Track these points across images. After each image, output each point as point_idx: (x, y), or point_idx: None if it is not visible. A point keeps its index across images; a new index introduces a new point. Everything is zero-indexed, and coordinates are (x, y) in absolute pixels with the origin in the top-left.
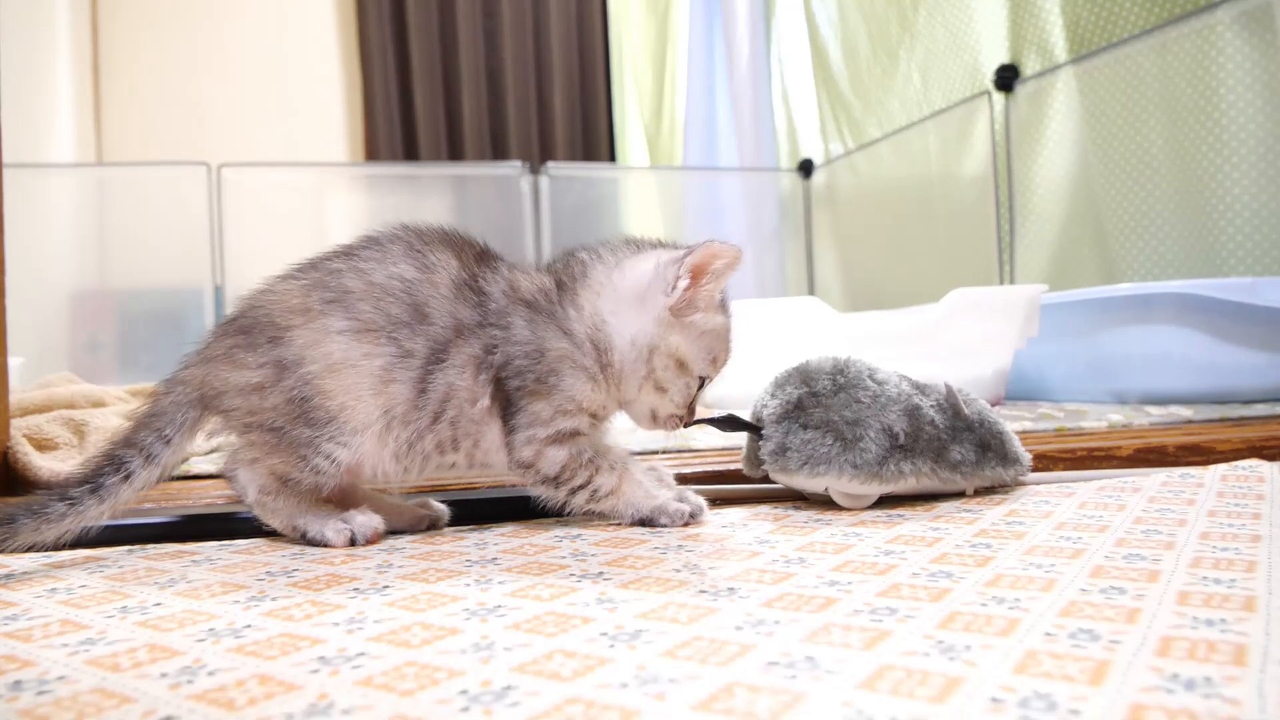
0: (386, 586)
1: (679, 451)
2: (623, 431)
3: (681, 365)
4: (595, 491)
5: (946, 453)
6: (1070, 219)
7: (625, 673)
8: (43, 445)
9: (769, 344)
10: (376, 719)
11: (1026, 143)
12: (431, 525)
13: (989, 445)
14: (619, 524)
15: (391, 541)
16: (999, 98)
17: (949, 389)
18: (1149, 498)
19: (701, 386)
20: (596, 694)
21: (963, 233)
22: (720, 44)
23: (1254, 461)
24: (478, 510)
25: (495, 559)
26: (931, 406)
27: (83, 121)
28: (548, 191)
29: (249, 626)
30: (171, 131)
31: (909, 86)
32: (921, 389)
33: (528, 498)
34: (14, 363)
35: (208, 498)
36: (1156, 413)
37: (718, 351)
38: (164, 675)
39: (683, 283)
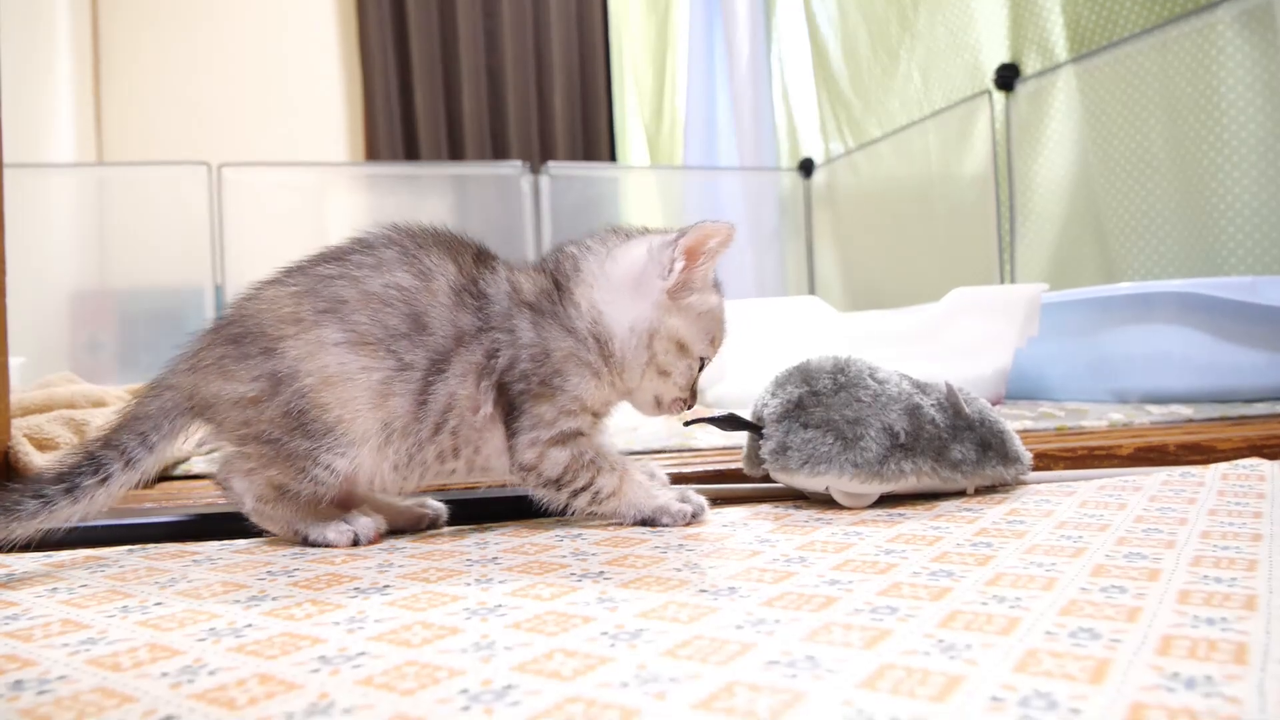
0: (387, 586)
1: (679, 451)
2: (623, 430)
3: (682, 347)
4: (597, 493)
5: (947, 452)
6: (1071, 218)
7: (626, 672)
8: (43, 445)
9: (769, 343)
10: (377, 718)
11: (1027, 142)
12: (430, 525)
13: (990, 444)
14: (620, 524)
15: (392, 541)
16: (999, 97)
17: (949, 388)
18: (1150, 496)
19: (701, 368)
20: (597, 693)
21: (963, 232)
22: (720, 43)
23: (1255, 460)
24: (477, 510)
25: (496, 558)
26: (932, 406)
27: (83, 121)
28: (548, 191)
29: (250, 626)
30: (172, 131)
31: (909, 86)
32: (922, 388)
33: (527, 497)
34: (15, 362)
35: (208, 498)
36: (1157, 412)
37: (714, 331)
38: (165, 675)
39: (679, 265)
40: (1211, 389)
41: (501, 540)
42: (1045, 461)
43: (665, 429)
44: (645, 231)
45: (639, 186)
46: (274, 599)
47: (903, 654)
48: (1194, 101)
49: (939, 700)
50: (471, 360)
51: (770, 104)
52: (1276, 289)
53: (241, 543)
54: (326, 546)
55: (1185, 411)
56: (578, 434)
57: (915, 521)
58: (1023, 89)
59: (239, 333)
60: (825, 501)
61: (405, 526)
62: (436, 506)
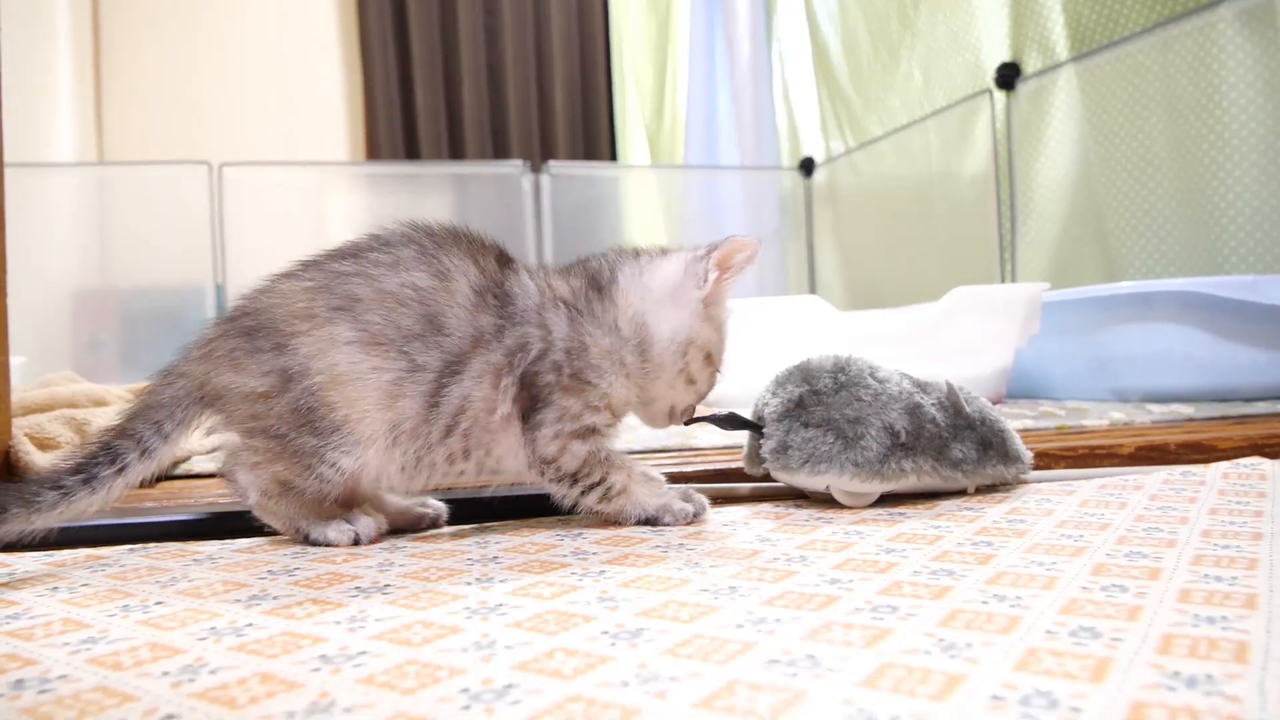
0: (388, 585)
1: (680, 450)
2: (624, 429)
3: (709, 358)
4: (608, 490)
5: (948, 451)
6: (1071, 217)
7: (626, 671)
8: (44, 444)
9: (770, 342)
10: (378, 717)
11: (1028, 141)
12: (431, 524)
13: (990, 443)
14: (621, 523)
15: (393, 540)
16: (1000, 96)
17: (950, 387)
18: (1150, 495)
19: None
20: (597, 692)
21: (964, 231)
22: (721, 42)
23: (1255, 459)
24: (478, 509)
25: (496, 557)
26: (933, 405)
27: (84, 121)
28: (549, 190)
29: (251, 625)
30: (172, 131)
31: (910, 84)
32: (923, 387)
33: (527, 497)
34: (16, 362)
35: (209, 497)
36: (1158, 411)
37: (725, 344)
38: (165, 674)
39: (713, 275)
40: (1212, 388)
41: (502, 539)
42: (1046, 460)
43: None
44: (665, 250)
45: (639, 186)
46: (275, 598)
47: (903, 653)
48: (1195, 100)
49: (939, 699)
50: (490, 361)
51: (771, 103)
52: (1277, 288)
53: (242, 542)
54: (327, 545)
55: (1186, 410)
56: (596, 431)
57: (916, 520)
58: (1023, 88)
59: (252, 325)
60: (826, 501)
61: (406, 526)
62: (437, 506)
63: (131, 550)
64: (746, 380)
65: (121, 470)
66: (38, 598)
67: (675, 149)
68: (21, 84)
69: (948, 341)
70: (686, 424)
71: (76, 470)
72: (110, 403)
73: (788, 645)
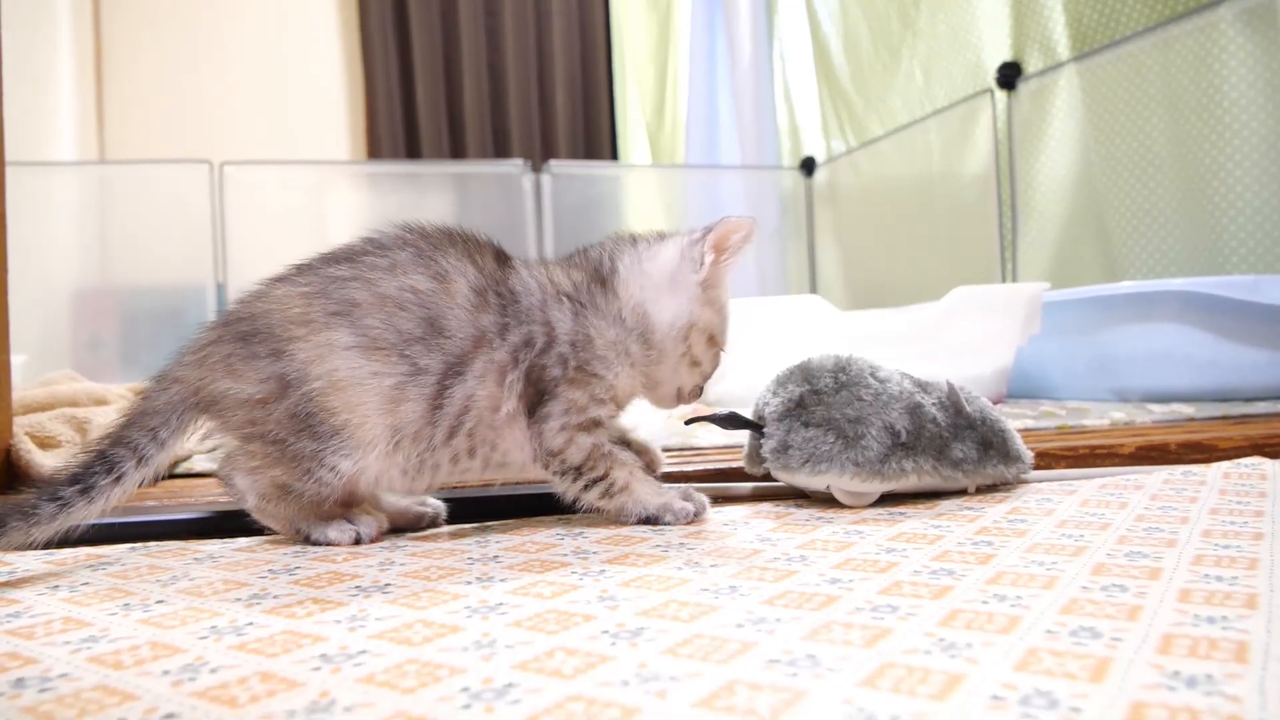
0: (388, 584)
1: (680, 449)
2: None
3: (712, 339)
4: (611, 486)
5: (948, 451)
6: (1072, 217)
7: (626, 670)
8: (45, 443)
9: (771, 342)
10: (378, 716)
11: (1029, 140)
12: (431, 523)
13: (991, 443)
14: (621, 522)
15: (393, 539)
16: (1001, 95)
17: (951, 387)
18: (1151, 495)
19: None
20: (598, 691)
21: (965, 231)
22: (722, 41)
23: (1256, 459)
24: (478, 508)
25: (497, 556)
26: (933, 404)
27: (85, 119)
28: (550, 189)
29: (251, 624)
30: (173, 129)
31: (911, 84)
32: (923, 387)
33: (528, 495)
34: (16, 360)
35: (210, 496)
36: (1158, 410)
37: (728, 323)
38: (166, 673)
39: (709, 258)
40: (1213, 388)
41: (502, 539)
42: (1046, 460)
43: (665, 428)
44: (663, 235)
45: (640, 185)
46: (275, 597)
47: (903, 652)
48: (1196, 100)
49: (939, 699)
50: (494, 359)
51: (772, 102)
52: (1278, 288)
53: (243, 541)
54: (328, 545)
55: (1187, 410)
56: (600, 424)
57: (916, 520)
58: (1025, 88)
59: (247, 331)
60: (826, 500)
61: (405, 525)
62: (436, 505)
63: (132, 549)
64: (747, 380)
65: (119, 479)
66: (39, 596)
67: (676, 148)
68: (22, 82)
69: (948, 341)
70: (687, 424)
71: (73, 480)
72: (110, 401)
73: (788, 645)
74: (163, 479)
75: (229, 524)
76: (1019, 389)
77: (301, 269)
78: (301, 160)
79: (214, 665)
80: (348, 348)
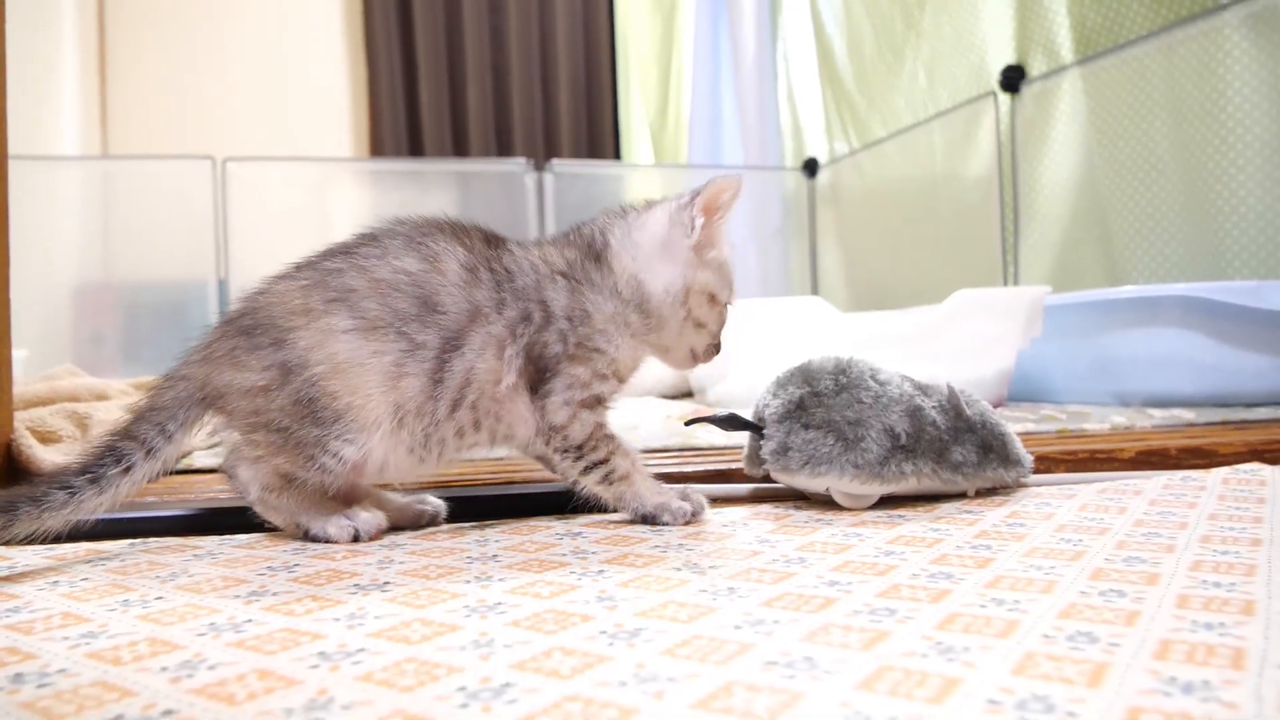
0: (387, 582)
1: (680, 450)
2: (624, 429)
3: (712, 299)
4: (611, 472)
5: (948, 454)
6: (1075, 221)
7: (624, 671)
8: (46, 438)
9: (772, 343)
10: (376, 715)
11: (1032, 144)
12: (430, 522)
13: (991, 446)
14: (620, 521)
15: (392, 538)
16: (1004, 98)
17: (951, 390)
18: (1150, 500)
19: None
20: (595, 692)
21: (967, 233)
22: (726, 42)
23: (1256, 465)
24: (477, 507)
25: (496, 556)
26: (933, 407)
27: (88, 114)
28: (552, 189)
29: (250, 621)
30: (176, 125)
31: (914, 86)
32: (924, 390)
33: (527, 495)
34: (18, 355)
35: (210, 492)
36: (1159, 415)
37: (731, 278)
38: (164, 669)
39: (699, 221)
40: (1214, 393)
41: (501, 538)
42: (1046, 464)
43: (665, 428)
44: (651, 203)
45: (643, 185)
46: (274, 594)
47: (901, 656)
48: (1200, 105)
49: (936, 702)
50: (491, 333)
51: (775, 103)
52: None
53: (243, 537)
54: (327, 542)
55: (1187, 415)
56: (604, 401)
57: (915, 523)
58: (1028, 90)
59: (250, 325)
60: (826, 502)
61: (405, 524)
62: (436, 503)
63: (132, 545)
64: (747, 381)
65: (128, 470)
66: (38, 591)
67: (679, 148)
68: (26, 75)
69: (950, 344)
70: (687, 425)
71: (83, 471)
72: (112, 397)
73: (786, 647)
74: (163, 474)
75: (228, 520)
76: (1020, 392)
77: (300, 266)
78: (304, 157)
79: (212, 662)
80: (346, 331)
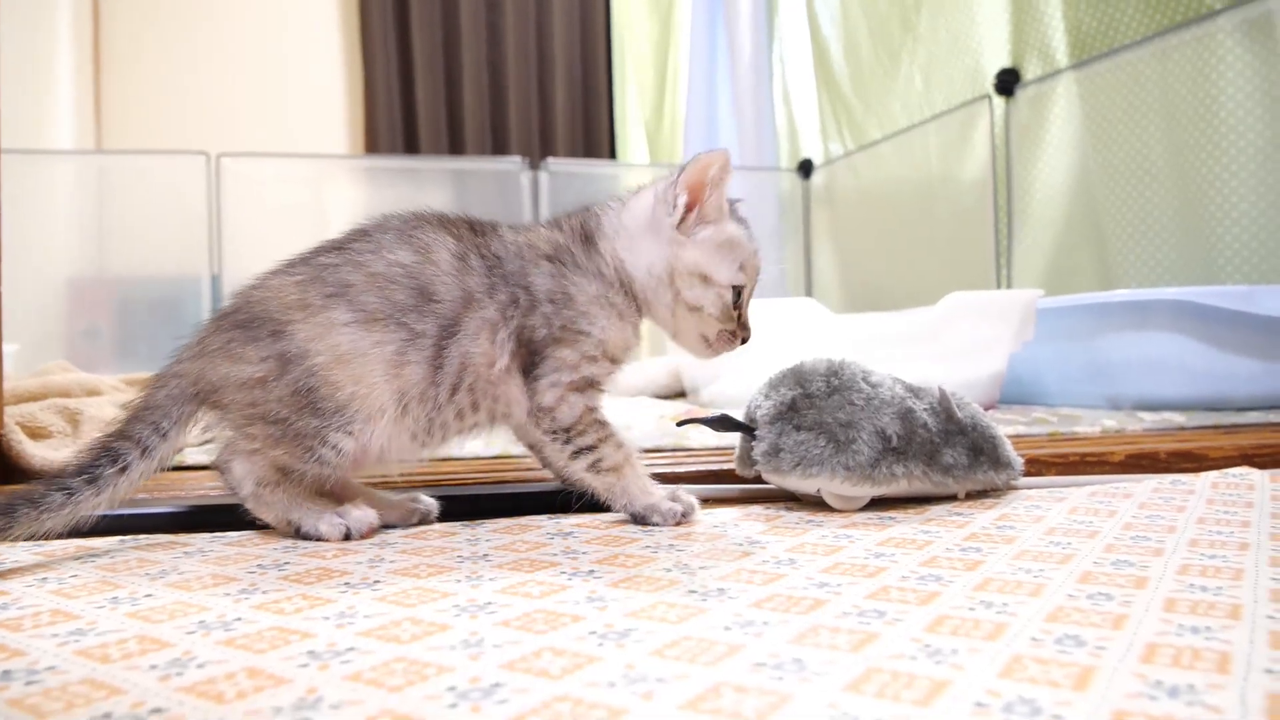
0: (377, 581)
1: (672, 450)
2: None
3: (705, 279)
4: (599, 460)
5: (939, 456)
6: (1069, 224)
7: (614, 671)
8: (36, 433)
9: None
10: (365, 714)
11: (1026, 147)
12: (421, 520)
13: (981, 449)
14: (610, 521)
15: (383, 536)
16: (999, 101)
17: (942, 392)
18: (1139, 504)
19: (739, 296)
20: (585, 692)
21: (961, 236)
22: (722, 42)
23: (1244, 469)
24: (469, 506)
25: (486, 555)
26: (925, 410)
27: (83, 109)
28: (547, 187)
29: (239, 619)
30: (171, 120)
31: (910, 88)
32: (915, 392)
33: (518, 494)
34: (9, 350)
35: (200, 489)
36: (1150, 419)
37: (744, 258)
38: (154, 667)
39: (682, 199)
40: (1205, 396)
41: (493, 537)
42: (1037, 467)
43: (658, 428)
44: (642, 187)
45: (638, 184)
46: (264, 592)
47: (889, 658)
48: (1194, 110)
49: (924, 705)
50: (484, 317)
51: (771, 104)
52: (1273, 298)
53: (233, 535)
54: (319, 539)
55: (1178, 419)
56: (596, 384)
57: (905, 525)
58: (1023, 94)
59: (245, 318)
60: (817, 503)
61: (396, 521)
62: (428, 502)
63: (122, 542)
64: (740, 382)
65: (124, 469)
66: (27, 588)
67: (675, 148)
68: (22, 70)
69: (942, 346)
70: (679, 425)
71: (80, 472)
72: (104, 392)
73: (775, 648)
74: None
75: (219, 517)
76: (1012, 395)
77: (293, 262)
78: (298, 153)
79: (201, 660)
80: (347, 324)
